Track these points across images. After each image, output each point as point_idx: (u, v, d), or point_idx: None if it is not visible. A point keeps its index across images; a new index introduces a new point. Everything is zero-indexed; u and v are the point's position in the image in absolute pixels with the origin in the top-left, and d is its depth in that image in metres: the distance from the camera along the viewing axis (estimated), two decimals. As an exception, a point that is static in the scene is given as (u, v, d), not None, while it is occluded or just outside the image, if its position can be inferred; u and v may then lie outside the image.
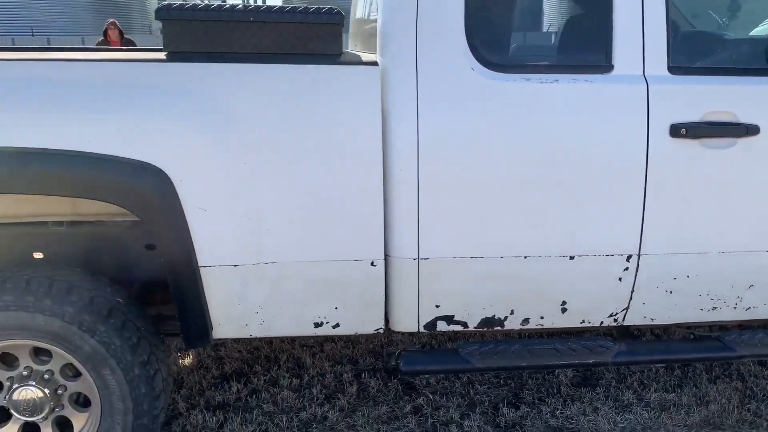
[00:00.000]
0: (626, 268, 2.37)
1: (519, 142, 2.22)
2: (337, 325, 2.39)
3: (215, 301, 2.26)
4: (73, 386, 2.33)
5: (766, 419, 2.83)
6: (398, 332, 2.65)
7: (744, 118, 2.28)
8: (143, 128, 2.07)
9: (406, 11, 2.19)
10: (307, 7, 2.18)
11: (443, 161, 2.21)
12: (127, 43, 10.93)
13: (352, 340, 3.51)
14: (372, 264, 2.28)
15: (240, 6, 2.16)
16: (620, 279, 2.38)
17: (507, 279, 2.34)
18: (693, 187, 2.30)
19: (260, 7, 2.16)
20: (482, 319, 2.42)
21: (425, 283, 2.33)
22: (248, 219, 2.18)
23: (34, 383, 2.27)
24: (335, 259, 2.27)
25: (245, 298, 2.27)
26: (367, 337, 3.53)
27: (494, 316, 2.41)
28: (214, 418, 2.82)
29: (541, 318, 2.44)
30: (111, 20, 11.05)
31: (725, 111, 2.27)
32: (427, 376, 3.08)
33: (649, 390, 3.04)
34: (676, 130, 2.26)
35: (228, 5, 2.15)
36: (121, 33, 10.82)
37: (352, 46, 3.30)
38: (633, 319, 2.49)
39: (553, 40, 2.41)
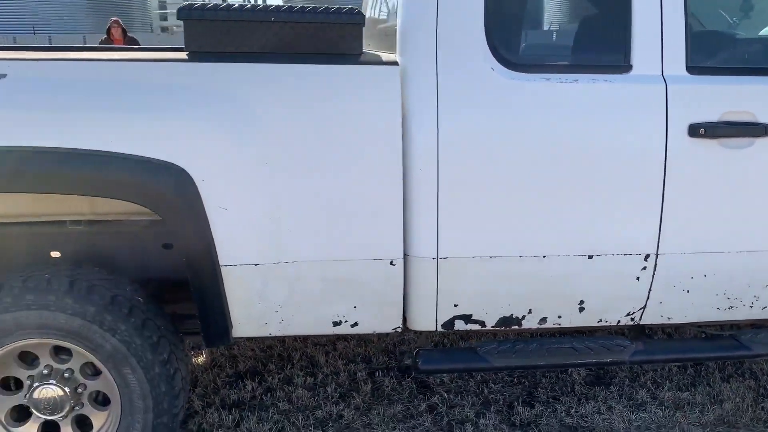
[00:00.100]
0: (644, 268, 2.38)
1: (538, 142, 2.23)
2: (355, 324, 2.39)
3: (236, 300, 2.26)
4: (93, 385, 2.33)
5: (780, 418, 2.85)
6: (411, 331, 2.66)
7: (763, 118, 2.28)
8: (166, 128, 2.08)
9: (426, 12, 2.20)
10: (327, 7, 2.19)
11: (463, 161, 2.22)
12: (130, 41, 10.93)
13: (364, 339, 3.52)
14: (391, 263, 2.29)
15: (261, 6, 2.17)
16: (638, 278, 2.39)
17: (526, 278, 2.35)
18: (711, 187, 2.31)
19: (281, 6, 2.16)
20: (500, 318, 2.42)
21: (444, 283, 2.33)
22: (269, 218, 2.19)
23: (54, 382, 2.28)
24: (355, 258, 2.28)
25: (265, 297, 2.28)
26: (379, 336, 3.54)
27: (512, 315, 2.42)
28: (230, 416, 2.83)
29: (559, 317, 2.45)
30: (114, 18, 11.06)
31: (744, 111, 2.28)
32: (444, 374, 3.08)
33: (663, 389, 3.05)
34: (694, 130, 2.26)
35: (249, 5, 2.16)
36: (124, 31, 10.83)
37: (364, 45, 3.30)
38: (650, 319, 2.50)
39: (571, 40, 2.41)
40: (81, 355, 2.26)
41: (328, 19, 2.17)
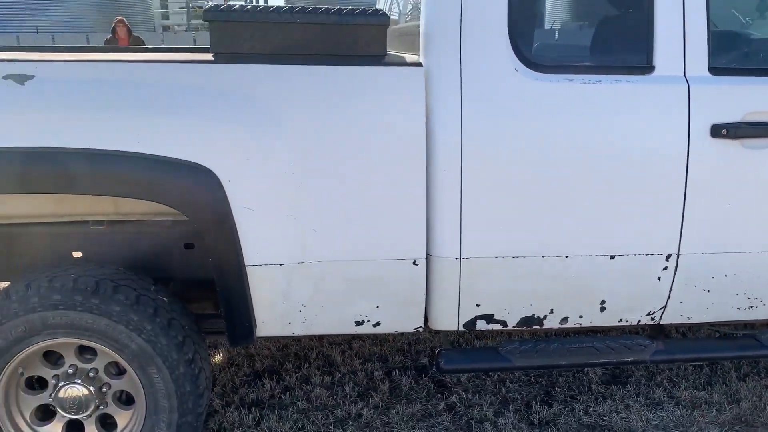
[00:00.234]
0: (665, 267, 2.39)
1: (562, 143, 2.24)
2: (377, 324, 2.41)
3: (260, 299, 2.28)
4: (117, 384, 2.35)
5: (798, 417, 2.86)
6: (428, 331, 2.67)
7: (785, 119, 2.29)
8: (192, 129, 2.09)
9: (450, 13, 2.21)
10: (352, 8, 2.20)
11: (486, 161, 2.23)
12: (135, 41, 10.93)
13: (380, 338, 3.53)
14: (414, 263, 2.30)
15: (287, 7, 2.18)
16: (659, 278, 2.40)
17: (548, 278, 2.36)
18: (733, 187, 2.32)
19: (307, 8, 2.17)
20: (522, 318, 2.44)
21: (466, 282, 2.35)
22: (294, 218, 2.20)
23: (79, 381, 2.29)
24: (378, 258, 2.29)
25: (289, 296, 2.29)
26: (394, 336, 3.56)
27: (534, 315, 2.43)
28: (249, 415, 2.84)
29: (580, 317, 2.46)
30: (119, 18, 11.05)
31: (766, 111, 2.28)
32: (465, 374, 3.10)
33: (679, 388, 3.06)
34: (717, 131, 2.27)
35: (274, 7, 2.17)
36: (129, 30, 10.82)
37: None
38: (670, 318, 2.51)
39: (594, 41, 2.42)
40: (106, 354, 2.27)
41: (353, 21, 2.18)
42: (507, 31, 2.22)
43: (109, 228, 2.53)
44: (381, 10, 2.21)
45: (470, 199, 2.25)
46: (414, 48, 2.40)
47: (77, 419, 2.34)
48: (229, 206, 2.14)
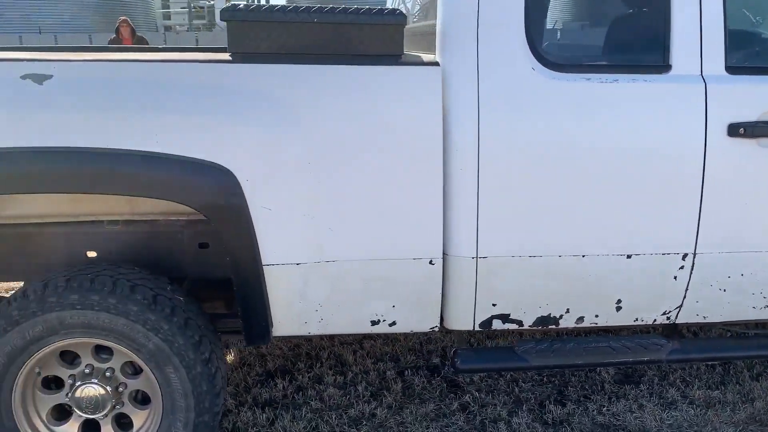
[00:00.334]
0: (682, 267, 2.39)
1: (578, 142, 2.24)
2: (393, 323, 2.41)
3: (277, 299, 2.27)
4: (134, 384, 2.35)
5: (812, 416, 2.86)
6: (444, 330, 2.67)
7: (802, 118, 2.29)
8: (210, 129, 2.09)
9: (466, 12, 2.21)
10: (369, 8, 2.20)
11: (503, 160, 2.22)
12: (139, 41, 10.93)
13: (390, 338, 3.53)
14: (430, 262, 2.30)
15: (304, 7, 2.18)
16: (675, 277, 2.40)
17: (564, 277, 2.36)
18: (750, 186, 2.31)
19: (324, 7, 2.17)
20: (538, 318, 2.43)
21: (483, 282, 2.34)
22: (311, 218, 2.20)
23: (96, 381, 2.30)
24: (394, 258, 2.29)
25: (306, 296, 2.29)
26: (405, 335, 3.55)
27: (550, 314, 2.43)
28: (263, 415, 2.84)
29: (596, 316, 2.45)
30: (123, 18, 11.05)
31: (783, 110, 2.28)
32: (479, 374, 3.10)
33: (693, 387, 3.06)
34: (734, 130, 2.27)
35: (291, 6, 2.16)
36: (133, 30, 10.82)
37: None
38: (685, 317, 2.51)
39: (611, 40, 2.42)
40: (122, 354, 2.28)
41: (370, 20, 2.18)
42: (524, 31, 2.22)
43: (123, 228, 2.53)
44: (398, 9, 2.21)
45: (487, 198, 2.25)
46: (425, 47, 2.39)
47: (93, 419, 2.34)
48: (247, 206, 2.14)
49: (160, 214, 2.53)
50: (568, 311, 2.43)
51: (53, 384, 2.36)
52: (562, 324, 2.46)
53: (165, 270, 2.52)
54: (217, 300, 2.92)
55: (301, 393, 3.04)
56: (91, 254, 2.59)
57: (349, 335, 3.52)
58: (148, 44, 11.05)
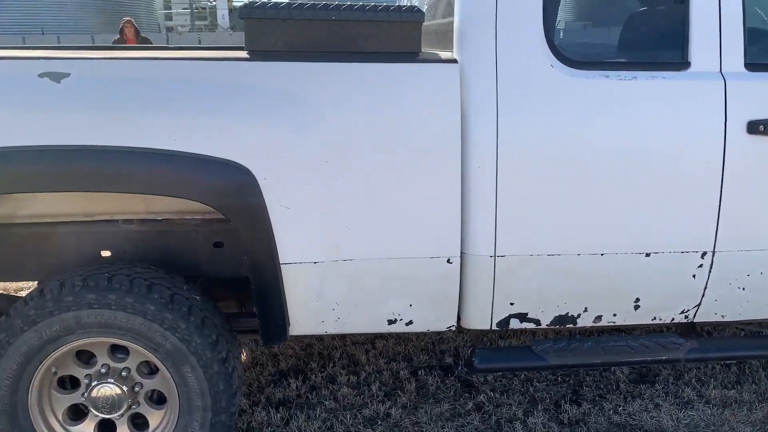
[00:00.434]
0: (700, 265, 2.37)
1: (597, 140, 2.23)
2: (410, 323, 2.39)
3: (294, 297, 2.26)
4: (150, 383, 2.34)
5: (829, 416, 2.84)
6: (457, 330, 2.65)
7: (822, 115, 2.28)
8: (228, 127, 2.08)
9: (485, 9, 2.20)
10: (387, 5, 2.19)
11: (522, 158, 2.21)
12: (143, 41, 10.92)
13: (403, 338, 3.52)
14: (448, 261, 2.29)
15: (321, 4, 2.17)
16: (694, 276, 2.39)
17: (583, 276, 2.34)
18: (769, 184, 2.30)
19: (342, 5, 2.16)
20: (555, 317, 2.42)
21: (500, 281, 2.33)
22: (328, 216, 2.19)
23: (112, 380, 2.28)
24: (412, 256, 2.28)
25: (323, 294, 2.28)
26: (418, 335, 3.54)
27: (567, 313, 2.42)
28: (278, 414, 2.83)
29: (614, 315, 2.44)
30: (127, 18, 11.04)
31: (803, 107, 2.27)
32: (494, 373, 3.08)
33: (708, 387, 3.04)
34: (753, 127, 2.26)
35: (309, 3, 2.15)
36: (137, 31, 10.80)
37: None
38: (704, 316, 2.49)
39: (630, 38, 2.41)
40: (138, 353, 2.27)
41: (388, 18, 2.17)
42: (542, 28, 2.20)
43: (138, 227, 2.52)
44: (416, 6, 2.20)
45: (505, 196, 2.24)
46: (440, 44, 2.38)
47: (109, 419, 2.33)
48: (265, 204, 2.13)
49: (174, 213, 2.52)
50: (586, 310, 2.42)
51: (69, 384, 2.36)
52: (580, 323, 2.44)
53: (179, 269, 2.51)
54: (230, 299, 2.91)
55: (314, 393, 3.03)
56: (106, 253, 2.58)
57: (361, 335, 3.51)
58: (151, 44, 11.03)
